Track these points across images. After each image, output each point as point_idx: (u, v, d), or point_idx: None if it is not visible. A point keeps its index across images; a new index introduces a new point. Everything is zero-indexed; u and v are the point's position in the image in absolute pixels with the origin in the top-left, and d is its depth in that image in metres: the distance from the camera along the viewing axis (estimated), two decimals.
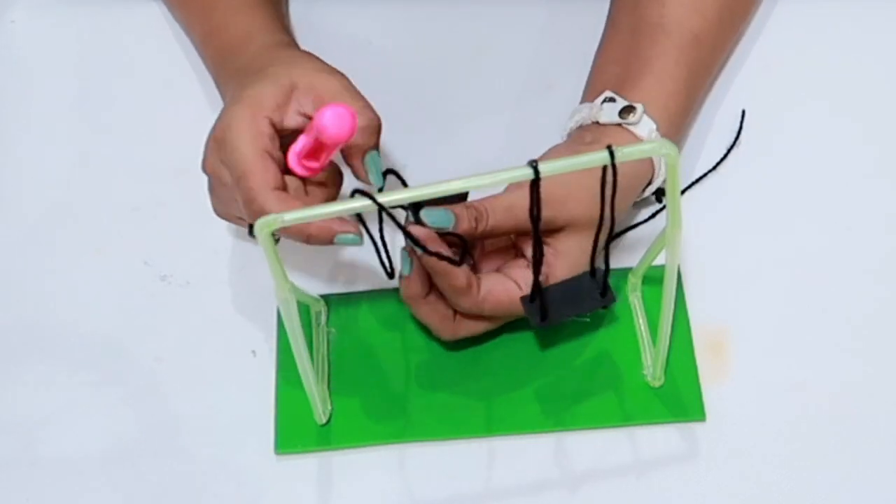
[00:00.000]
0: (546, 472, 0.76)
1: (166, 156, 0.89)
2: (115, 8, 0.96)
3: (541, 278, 0.70)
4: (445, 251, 0.72)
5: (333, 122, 0.67)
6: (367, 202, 0.62)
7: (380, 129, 0.75)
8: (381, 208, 0.63)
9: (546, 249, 0.75)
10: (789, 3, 0.92)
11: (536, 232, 0.67)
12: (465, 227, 0.73)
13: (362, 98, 0.76)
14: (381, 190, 0.74)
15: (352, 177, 0.76)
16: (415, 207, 0.72)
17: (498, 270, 0.76)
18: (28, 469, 0.78)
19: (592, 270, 0.72)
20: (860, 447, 0.76)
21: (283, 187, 0.73)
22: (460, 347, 0.79)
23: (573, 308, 0.73)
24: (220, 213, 0.78)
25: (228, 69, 0.81)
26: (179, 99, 0.92)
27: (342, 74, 0.76)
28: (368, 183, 0.75)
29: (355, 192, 0.63)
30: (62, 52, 0.95)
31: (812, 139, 0.87)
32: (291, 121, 0.75)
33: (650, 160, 0.79)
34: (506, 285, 0.75)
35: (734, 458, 0.76)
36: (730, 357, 0.79)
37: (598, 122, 0.79)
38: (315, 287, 0.83)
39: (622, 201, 0.76)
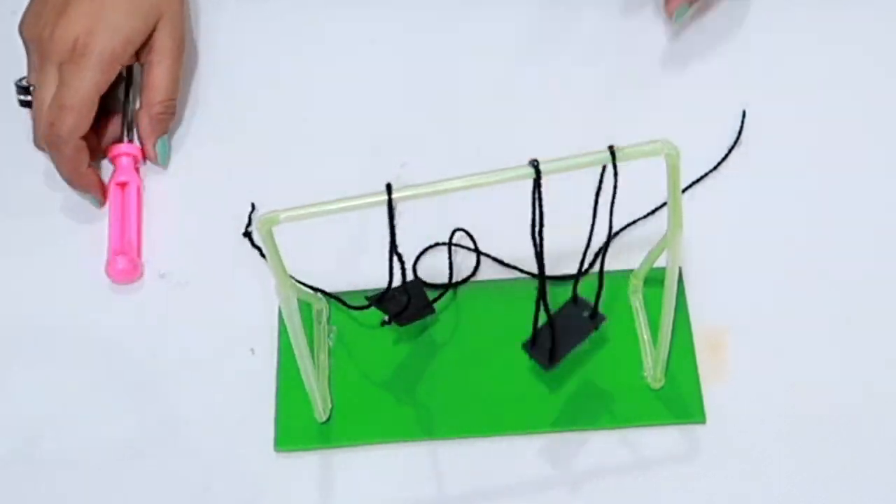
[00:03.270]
0: (546, 472, 0.76)
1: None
2: None
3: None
4: None
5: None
6: (375, 198, 0.62)
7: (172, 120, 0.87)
8: (391, 203, 0.63)
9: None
10: (790, 2, 0.93)
11: (539, 229, 0.66)
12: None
13: (175, 89, 0.86)
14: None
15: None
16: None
17: None
18: (28, 469, 0.78)
19: (575, 297, 0.72)
20: (860, 447, 0.76)
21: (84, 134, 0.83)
22: (462, 347, 0.80)
23: (572, 341, 0.74)
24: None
25: None
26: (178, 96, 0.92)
27: (183, 45, 0.86)
28: (158, 163, 0.87)
29: None
30: None
31: (812, 139, 0.87)
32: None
33: None
34: None
35: (734, 459, 0.76)
36: (730, 357, 0.79)
37: None
38: (317, 285, 0.82)
39: None
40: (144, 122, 0.86)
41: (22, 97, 0.87)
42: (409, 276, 0.71)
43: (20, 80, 0.87)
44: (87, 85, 0.82)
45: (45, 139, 0.83)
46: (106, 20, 0.83)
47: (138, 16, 0.84)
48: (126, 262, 0.83)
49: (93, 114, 0.83)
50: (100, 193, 0.85)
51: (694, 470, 0.76)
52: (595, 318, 0.73)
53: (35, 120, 0.85)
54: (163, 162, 0.87)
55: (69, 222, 0.87)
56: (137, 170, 0.87)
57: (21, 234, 0.87)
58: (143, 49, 0.85)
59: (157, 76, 0.85)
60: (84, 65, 0.82)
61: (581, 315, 0.73)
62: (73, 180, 0.84)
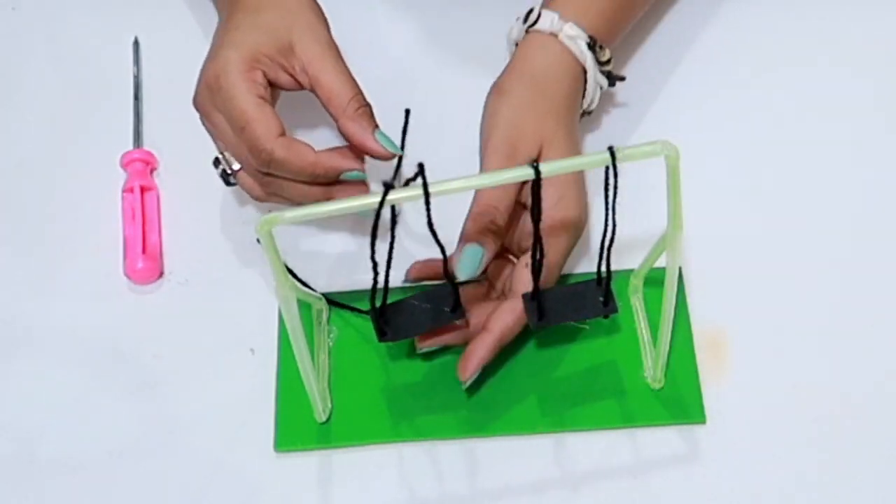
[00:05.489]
0: (546, 472, 0.76)
1: (166, 151, 0.89)
2: None
3: None
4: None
5: None
6: (374, 199, 0.62)
7: (373, 112, 0.79)
8: (389, 204, 0.63)
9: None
10: (790, 2, 0.93)
11: (537, 231, 0.67)
12: (493, 250, 0.75)
13: (353, 83, 0.79)
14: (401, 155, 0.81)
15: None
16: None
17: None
18: (27, 469, 0.78)
19: (599, 278, 0.72)
20: (860, 447, 0.76)
21: (284, 132, 0.76)
22: (462, 347, 0.79)
23: (574, 313, 0.73)
24: (220, 148, 0.80)
25: None
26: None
27: (334, 45, 0.79)
28: (390, 156, 0.78)
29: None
30: (63, 38, 0.95)
31: (812, 140, 0.87)
32: (281, 79, 0.78)
33: (570, 56, 0.80)
34: (514, 306, 0.75)
35: (734, 460, 0.76)
36: (730, 358, 0.79)
37: (516, 44, 0.82)
38: (317, 286, 0.82)
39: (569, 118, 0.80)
40: (350, 128, 0.77)
41: (225, 171, 0.81)
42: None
43: (215, 162, 0.81)
44: (241, 98, 0.76)
45: (263, 166, 0.77)
46: (225, 46, 0.77)
47: (258, 32, 0.78)
48: (148, 263, 0.83)
49: (270, 113, 0.77)
50: (354, 161, 0.79)
51: (694, 470, 0.76)
52: (608, 305, 0.73)
53: (247, 167, 0.79)
54: (394, 149, 0.78)
55: (69, 224, 0.87)
56: (151, 175, 0.88)
57: (21, 234, 0.87)
58: (298, 73, 0.78)
59: (326, 84, 0.78)
60: (226, 89, 0.76)
61: (596, 296, 0.73)
62: (321, 172, 0.78)
